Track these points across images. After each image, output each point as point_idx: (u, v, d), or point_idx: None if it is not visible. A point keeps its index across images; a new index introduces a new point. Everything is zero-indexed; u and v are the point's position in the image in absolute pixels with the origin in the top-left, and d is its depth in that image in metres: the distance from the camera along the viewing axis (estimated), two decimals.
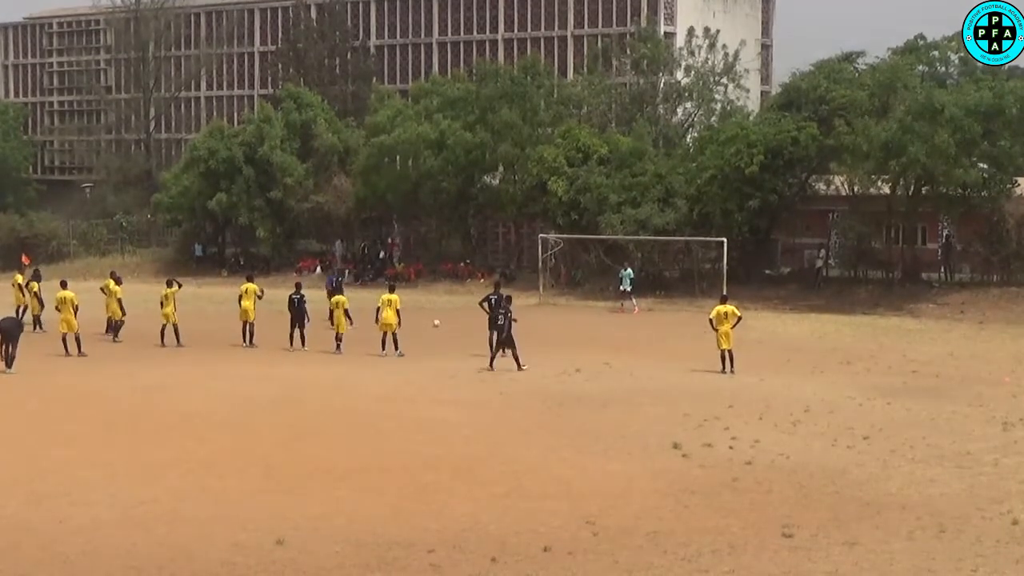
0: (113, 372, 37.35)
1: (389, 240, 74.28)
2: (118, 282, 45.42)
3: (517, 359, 37.88)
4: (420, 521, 21.11)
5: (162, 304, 43.64)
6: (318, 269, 72.23)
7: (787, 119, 59.78)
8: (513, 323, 38.24)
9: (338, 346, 41.76)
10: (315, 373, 37.23)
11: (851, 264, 61.91)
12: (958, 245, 60.93)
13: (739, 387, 34.74)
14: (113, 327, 44.72)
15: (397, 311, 40.89)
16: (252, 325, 43.28)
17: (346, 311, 41.79)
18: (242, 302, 43.56)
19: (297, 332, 42.91)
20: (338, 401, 32.45)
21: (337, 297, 42.53)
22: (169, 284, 44.44)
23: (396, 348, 40.68)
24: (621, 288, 56.77)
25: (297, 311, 43.11)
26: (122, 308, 44.49)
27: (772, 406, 31.54)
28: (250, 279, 45.04)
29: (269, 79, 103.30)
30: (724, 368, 37.49)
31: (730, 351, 37.59)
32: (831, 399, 32.77)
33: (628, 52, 77.42)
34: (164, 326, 43.29)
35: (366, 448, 26.60)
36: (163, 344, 43.01)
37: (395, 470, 24.62)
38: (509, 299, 40.09)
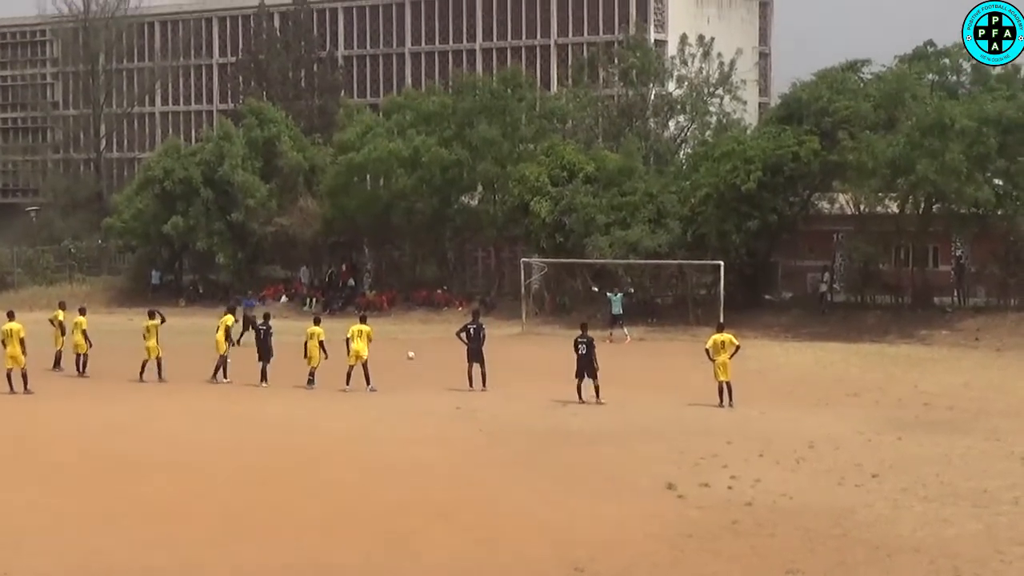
0: (62, 411, 37.20)
1: (343, 266, 74.14)
2: (82, 313, 45.77)
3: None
4: (393, 572, 21.03)
5: (144, 337, 43.82)
6: (283, 298, 72.18)
7: (787, 133, 59.90)
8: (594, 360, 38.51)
9: (310, 380, 41.73)
10: (281, 411, 37.12)
11: (857, 288, 62.00)
12: (972, 267, 61.06)
13: (738, 422, 34.74)
14: (79, 361, 44.77)
15: (369, 341, 40.99)
16: (222, 359, 43.28)
17: (321, 343, 41.80)
18: (217, 334, 43.60)
19: (261, 366, 42.90)
20: (304, 441, 32.35)
21: (313, 328, 42.55)
22: (151, 315, 44.57)
23: (368, 382, 40.62)
24: (612, 312, 56.73)
25: (263, 343, 43.12)
26: (88, 340, 44.66)
27: (774, 442, 31.54)
28: (231, 311, 45.21)
29: (229, 93, 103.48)
30: (722, 401, 37.58)
31: (728, 383, 37.70)
32: (837, 434, 32.78)
33: (616, 62, 77.63)
34: (146, 361, 43.48)
35: (334, 492, 26.52)
36: (141, 379, 43.11)
37: (366, 516, 24.53)
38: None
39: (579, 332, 39.51)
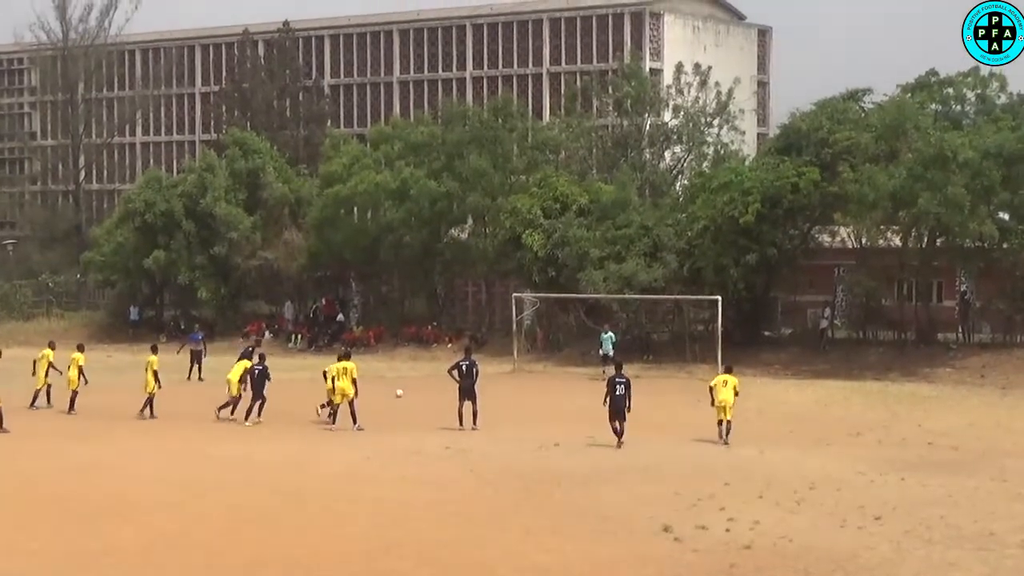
0: (39, 450, 37.10)
1: (323, 300, 74.21)
2: (80, 350, 46.56)
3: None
4: None
5: (146, 371, 44.60)
6: (267, 334, 72.09)
7: (786, 164, 59.96)
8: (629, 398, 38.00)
9: (332, 415, 41.66)
10: (265, 450, 37.07)
11: (859, 324, 62.07)
12: (977, 302, 61.14)
13: (736, 462, 34.71)
14: (72, 398, 45.15)
15: (354, 380, 40.87)
16: (233, 399, 43.44)
17: (354, 379, 41.46)
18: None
19: (251, 404, 42.87)
20: (290, 481, 32.29)
21: (345, 363, 42.27)
22: (154, 350, 45.81)
23: (354, 422, 40.56)
24: (602, 353, 56.47)
25: (258, 382, 43.05)
26: (83, 377, 45.16)
27: (773, 483, 31.51)
28: (247, 356, 45.14)
29: (212, 123, 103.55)
30: (720, 435, 37.99)
31: (729, 421, 38.06)
32: (839, 475, 32.76)
33: (610, 91, 77.77)
34: (151, 395, 44.22)
35: (320, 533, 26.48)
36: (153, 415, 43.76)
37: (353, 557, 24.48)
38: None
39: (614, 371, 38.98)
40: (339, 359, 42.21)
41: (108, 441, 38.78)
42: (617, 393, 37.66)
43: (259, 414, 42.60)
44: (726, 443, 37.60)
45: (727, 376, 39.02)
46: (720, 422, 38.16)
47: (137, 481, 32.28)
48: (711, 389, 38.84)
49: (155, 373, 44.27)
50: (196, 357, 56.75)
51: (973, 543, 25.46)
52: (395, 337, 69.44)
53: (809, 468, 33.68)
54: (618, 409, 37.51)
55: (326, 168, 73.86)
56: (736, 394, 38.66)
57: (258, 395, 42.78)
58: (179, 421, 43.06)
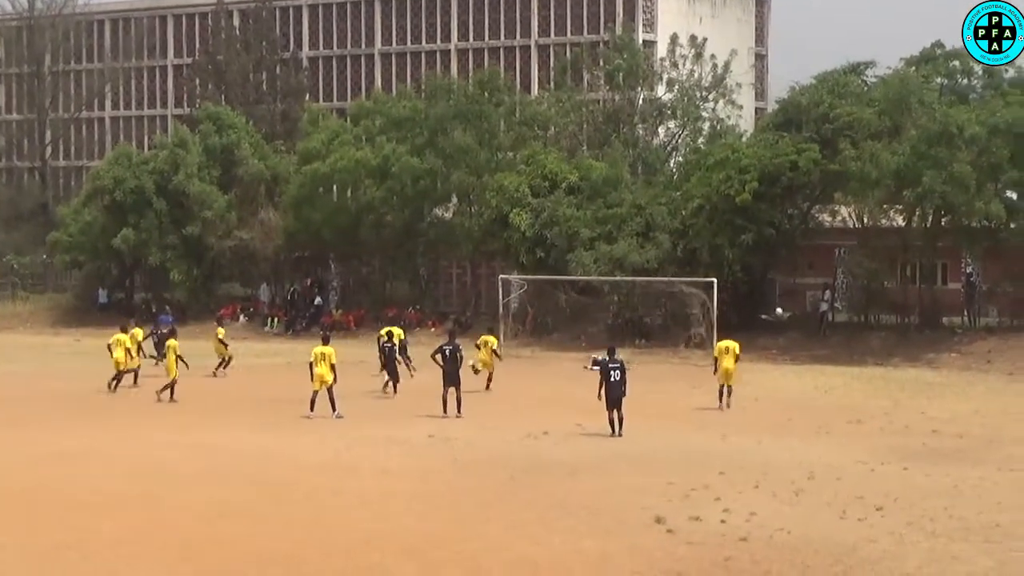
0: (11, 439, 37.09)
1: (308, 281, 74.28)
2: (123, 331, 48.15)
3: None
4: None
5: (164, 355, 45.93)
6: (241, 318, 72.09)
7: (785, 140, 60.04)
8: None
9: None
10: (244, 440, 37.09)
11: (860, 308, 62.17)
12: (983, 285, 61.24)
13: (732, 451, 34.80)
14: (135, 376, 47.78)
15: (332, 366, 40.88)
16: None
17: (494, 351, 44.96)
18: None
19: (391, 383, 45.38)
20: (269, 472, 32.31)
21: (487, 337, 45.97)
22: (172, 335, 47.28)
23: (333, 409, 40.60)
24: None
25: (388, 358, 45.29)
26: (131, 354, 47.33)
27: (770, 473, 31.60)
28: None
29: (185, 97, 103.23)
30: (721, 405, 40.95)
31: (730, 387, 41.36)
32: (839, 464, 32.86)
33: (601, 63, 77.67)
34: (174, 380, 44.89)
35: (300, 526, 26.53)
36: (173, 399, 44.46)
37: (334, 551, 24.54)
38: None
39: (606, 355, 38.73)
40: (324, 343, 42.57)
41: (81, 430, 38.71)
42: (612, 380, 37.18)
43: (395, 389, 45.33)
44: (727, 406, 40.89)
45: (728, 342, 42.09)
46: (721, 390, 41.24)
47: (112, 472, 32.24)
48: (715, 360, 41.99)
49: (179, 357, 44.89)
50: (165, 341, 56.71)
51: (979, 535, 25.55)
52: (376, 321, 69.25)
53: (808, 457, 33.77)
54: (615, 397, 37.12)
55: (304, 144, 73.81)
56: (737, 358, 41.95)
57: (390, 371, 45.28)
58: (156, 409, 43.10)
